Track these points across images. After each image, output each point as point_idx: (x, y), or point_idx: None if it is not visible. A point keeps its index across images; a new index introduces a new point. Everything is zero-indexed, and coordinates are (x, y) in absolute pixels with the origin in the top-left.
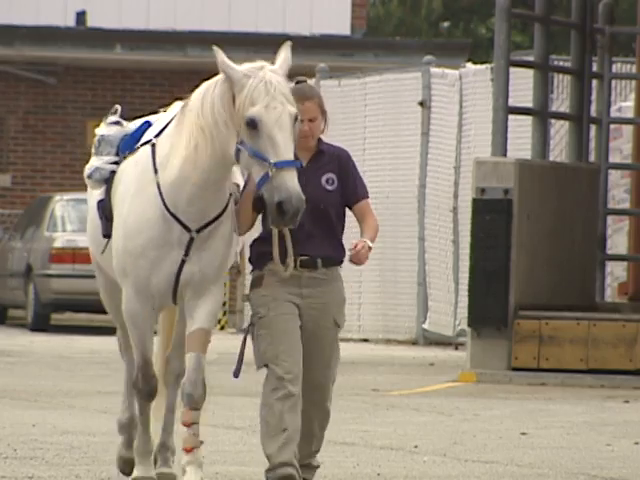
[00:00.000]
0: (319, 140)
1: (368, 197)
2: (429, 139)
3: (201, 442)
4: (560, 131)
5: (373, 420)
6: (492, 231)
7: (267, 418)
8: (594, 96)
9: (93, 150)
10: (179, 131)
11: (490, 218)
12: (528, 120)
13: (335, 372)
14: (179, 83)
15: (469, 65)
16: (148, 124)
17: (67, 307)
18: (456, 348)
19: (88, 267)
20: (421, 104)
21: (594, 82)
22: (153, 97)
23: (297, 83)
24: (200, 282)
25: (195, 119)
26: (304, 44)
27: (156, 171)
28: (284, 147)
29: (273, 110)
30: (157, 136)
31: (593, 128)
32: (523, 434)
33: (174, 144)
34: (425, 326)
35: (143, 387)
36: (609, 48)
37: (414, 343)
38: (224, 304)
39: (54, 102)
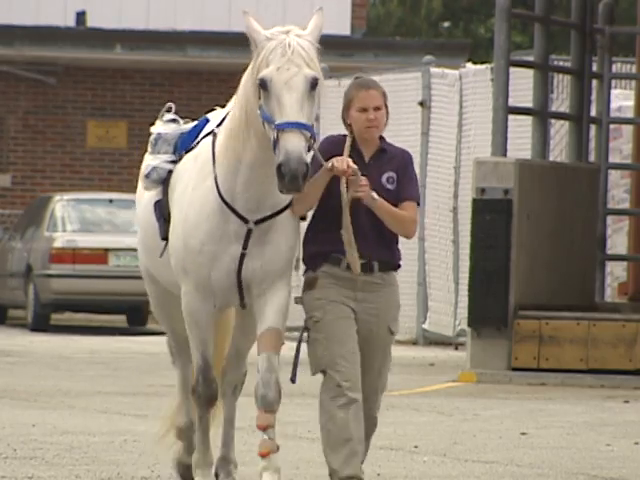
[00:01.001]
0: (381, 138)
1: (416, 202)
2: (429, 139)
3: (278, 446)
4: (560, 131)
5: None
6: (492, 231)
7: (329, 427)
8: (594, 96)
9: (149, 149)
10: (232, 112)
11: (490, 218)
12: (528, 120)
13: (385, 381)
14: (179, 83)
15: (469, 65)
16: (206, 120)
17: (67, 307)
18: (456, 348)
19: (88, 267)
20: (421, 104)
21: (594, 82)
22: (153, 97)
23: (356, 78)
24: (264, 279)
25: (240, 91)
26: None
27: (214, 162)
28: (290, 108)
29: (285, 71)
30: (218, 126)
31: (593, 128)
32: (523, 434)
33: (227, 127)
34: (425, 326)
35: (203, 391)
36: (609, 48)
37: (414, 343)
38: None
39: (54, 102)
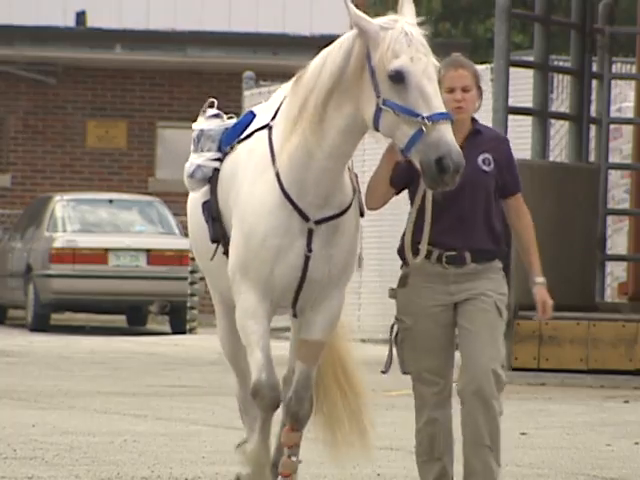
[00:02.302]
0: (474, 120)
1: (521, 190)
2: None
3: (299, 461)
4: (560, 131)
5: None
6: None
7: (418, 439)
8: (594, 96)
9: (192, 147)
10: (294, 103)
11: None
12: (528, 120)
13: (501, 372)
14: (179, 83)
15: None
16: (252, 115)
17: (67, 307)
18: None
19: (88, 267)
20: None
21: (594, 82)
22: (153, 97)
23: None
24: (326, 284)
25: (318, 82)
26: (304, 44)
27: (273, 155)
28: (436, 99)
29: (419, 61)
30: (273, 118)
31: (593, 128)
32: (523, 434)
33: (290, 118)
34: None
35: (268, 393)
36: (609, 48)
37: None
38: None
39: (54, 102)
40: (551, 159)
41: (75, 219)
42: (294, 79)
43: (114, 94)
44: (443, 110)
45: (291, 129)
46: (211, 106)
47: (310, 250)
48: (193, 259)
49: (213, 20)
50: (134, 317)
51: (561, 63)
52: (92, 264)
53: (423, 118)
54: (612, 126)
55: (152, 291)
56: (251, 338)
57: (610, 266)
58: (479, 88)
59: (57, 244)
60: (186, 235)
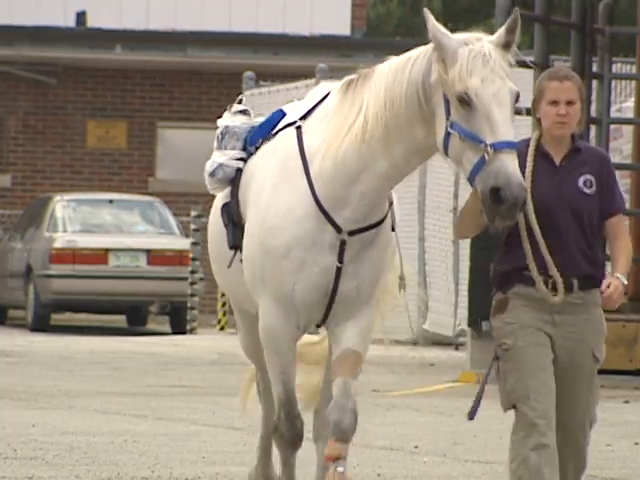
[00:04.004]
0: (573, 137)
1: (623, 212)
2: None
3: (346, 473)
4: None
5: (373, 420)
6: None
7: (520, 472)
8: (594, 96)
9: (215, 144)
10: (345, 110)
11: None
12: (528, 120)
13: (594, 415)
14: (179, 83)
15: None
16: (282, 113)
17: (67, 307)
18: (456, 348)
19: (88, 267)
20: None
21: (594, 82)
22: (153, 97)
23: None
24: (355, 299)
25: (387, 95)
26: (304, 44)
27: (304, 159)
28: (503, 126)
29: (491, 84)
30: (303, 118)
31: (593, 128)
32: None
33: (337, 126)
34: (425, 326)
35: (287, 431)
36: (609, 48)
37: (414, 343)
38: (223, 305)
39: (54, 102)
40: None
41: (75, 219)
42: (344, 83)
43: (114, 94)
44: (509, 139)
45: (337, 137)
46: (239, 102)
47: (342, 262)
48: (193, 259)
49: (213, 20)
50: (134, 317)
51: (561, 63)
52: (92, 264)
53: (486, 145)
54: (612, 126)
55: (152, 291)
56: (273, 372)
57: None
58: (582, 101)
59: (57, 244)
60: (186, 235)
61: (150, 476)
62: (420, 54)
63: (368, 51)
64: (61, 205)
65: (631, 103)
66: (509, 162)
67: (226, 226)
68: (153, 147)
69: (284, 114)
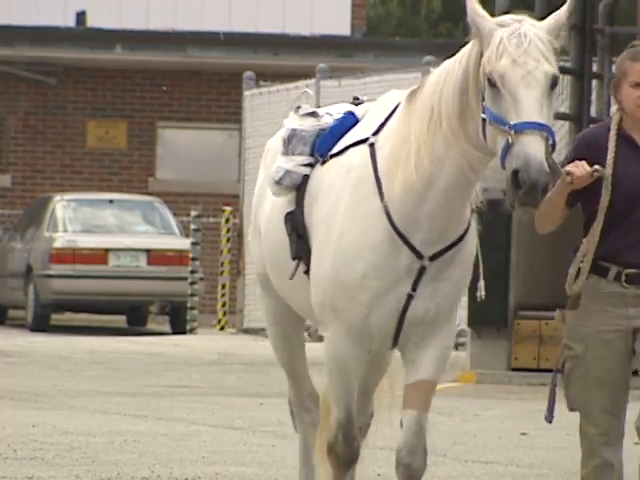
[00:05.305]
0: None
1: None
2: None
3: None
4: (560, 131)
5: (373, 420)
6: (492, 231)
7: None
8: (594, 96)
9: (282, 148)
10: (407, 123)
11: (490, 218)
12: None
13: None
14: (179, 83)
15: None
16: (353, 118)
17: (67, 307)
18: (456, 348)
19: (88, 267)
20: None
21: (594, 82)
22: (153, 97)
23: (632, 47)
24: (433, 320)
25: (439, 100)
26: (304, 44)
27: (378, 180)
28: (529, 107)
29: (522, 65)
30: (375, 134)
31: None
32: (523, 434)
33: (402, 140)
34: None
35: (344, 452)
36: (609, 48)
37: None
38: (223, 305)
39: (54, 102)
40: None
41: (75, 219)
42: (408, 94)
43: (114, 94)
44: (534, 119)
45: (403, 152)
46: (306, 100)
47: (414, 289)
48: (193, 259)
49: (213, 20)
50: (134, 317)
51: (561, 63)
52: (92, 264)
53: (510, 127)
54: None
55: (152, 291)
56: (336, 394)
57: None
58: None
59: (57, 244)
60: (186, 235)
61: (150, 476)
62: (465, 52)
63: (368, 51)
64: (61, 205)
65: None
66: (530, 143)
67: (289, 235)
68: (153, 147)
69: (356, 118)
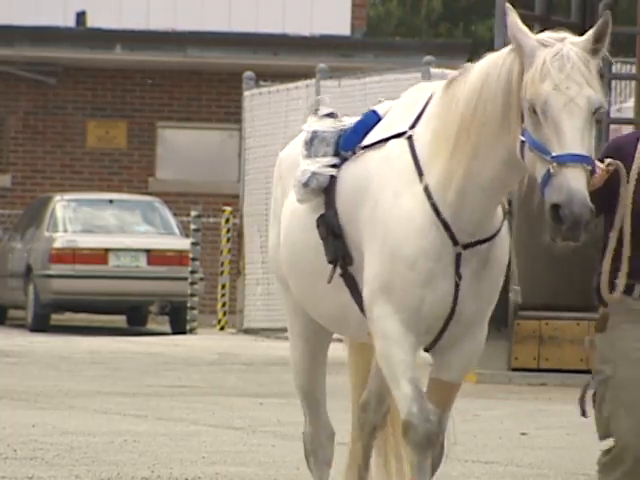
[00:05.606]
0: None
1: None
2: None
3: None
4: None
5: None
6: None
7: None
8: None
9: (303, 151)
10: (445, 117)
11: None
12: None
13: None
14: (179, 83)
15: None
16: (376, 116)
17: (67, 307)
18: None
19: (88, 267)
20: None
21: None
22: (153, 97)
23: None
24: (471, 320)
25: (479, 102)
26: (304, 44)
27: (420, 171)
28: (572, 138)
29: (565, 91)
30: (412, 127)
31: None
32: (523, 434)
33: (440, 134)
34: None
35: (421, 425)
36: (609, 48)
37: None
38: (223, 305)
39: (54, 102)
40: None
41: (75, 219)
42: (445, 85)
43: (114, 94)
44: (577, 151)
45: (442, 145)
46: (323, 103)
47: (460, 277)
48: (193, 259)
49: (213, 20)
50: (134, 317)
51: None
52: (92, 264)
53: (552, 158)
54: (612, 126)
55: (152, 291)
56: (398, 369)
57: None
58: None
59: (57, 244)
60: (186, 235)
61: (150, 476)
62: (506, 57)
63: (368, 51)
64: (61, 205)
65: (631, 103)
66: (573, 177)
67: (323, 239)
68: (153, 147)
69: (378, 116)
